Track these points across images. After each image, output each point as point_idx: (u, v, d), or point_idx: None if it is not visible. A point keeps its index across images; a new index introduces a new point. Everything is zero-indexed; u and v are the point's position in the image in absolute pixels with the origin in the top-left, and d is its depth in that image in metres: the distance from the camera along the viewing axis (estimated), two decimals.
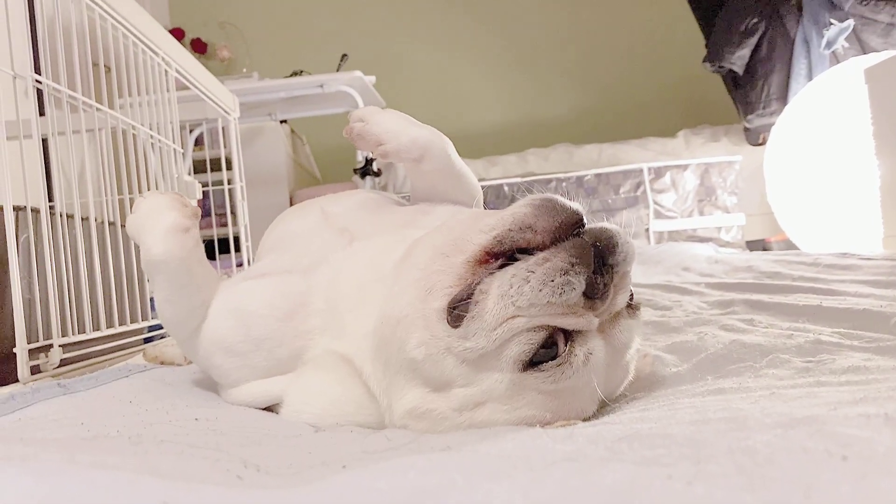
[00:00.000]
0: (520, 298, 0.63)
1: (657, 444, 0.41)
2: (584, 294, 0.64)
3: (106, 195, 1.50)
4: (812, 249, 3.03)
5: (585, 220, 0.68)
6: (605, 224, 0.68)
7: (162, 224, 0.89)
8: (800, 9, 3.54)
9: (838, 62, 3.39)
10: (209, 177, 2.77)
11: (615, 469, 0.36)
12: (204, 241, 1.03)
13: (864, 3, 3.38)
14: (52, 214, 1.26)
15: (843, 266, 1.85)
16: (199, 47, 5.02)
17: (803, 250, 3.12)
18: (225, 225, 2.37)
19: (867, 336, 0.94)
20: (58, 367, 1.19)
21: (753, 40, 3.71)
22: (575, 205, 0.68)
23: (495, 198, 3.75)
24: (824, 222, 3.16)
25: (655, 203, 3.78)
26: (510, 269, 0.65)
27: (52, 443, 0.49)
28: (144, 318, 1.61)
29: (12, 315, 1.10)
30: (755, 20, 3.68)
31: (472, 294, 0.66)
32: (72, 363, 1.25)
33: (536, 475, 0.36)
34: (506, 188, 3.78)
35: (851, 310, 1.13)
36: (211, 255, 2.46)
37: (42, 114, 1.39)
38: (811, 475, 0.34)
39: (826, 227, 3.15)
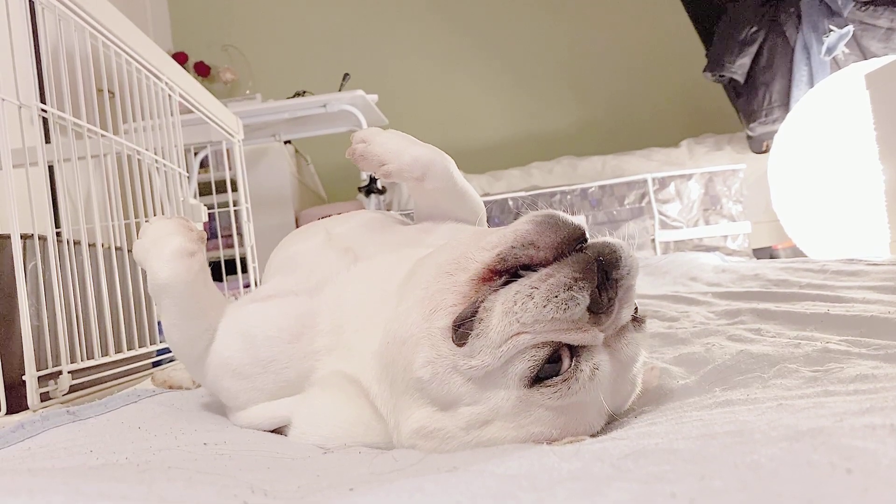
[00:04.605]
0: (524, 315, 0.63)
1: (663, 461, 0.41)
2: (589, 309, 0.64)
3: (112, 220, 1.51)
4: (819, 256, 3.02)
5: (588, 235, 0.68)
6: (608, 238, 0.69)
7: (167, 249, 0.90)
8: (799, 16, 3.55)
9: (839, 68, 3.39)
10: (215, 199, 2.79)
11: (619, 488, 0.36)
12: (211, 263, 1.04)
13: (863, 8, 3.39)
14: (59, 241, 1.27)
15: (850, 272, 1.84)
16: (202, 70, 5.06)
17: (810, 257, 3.11)
18: (231, 246, 2.38)
19: (875, 343, 0.94)
20: (67, 393, 1.19)
21: (753, 49, 3.72)
22: (577, 219, 0.68)
23: (500, 212, 3.75)
24: (830, 228, 3.15)
25: (660, 213, 3.78)
26: (514, 286, 0.65)
27: (59, 473, 0.49)
28: (153, 343, 1.61)
29: (21, 342, 1.11)
30: (754, 29, 3.69)
31: (477, 312, 0.66)
32: (81, 389, 1.26)
33: (541, 496, 0.36)
34: (510, 202, 3.78)
35: (859, 317, 1.13)
36: (218, 277, 2.47)
37: (48, 141, 1.40)
38: (814, 489, 0.34)
39: (832, 232, 3.14)
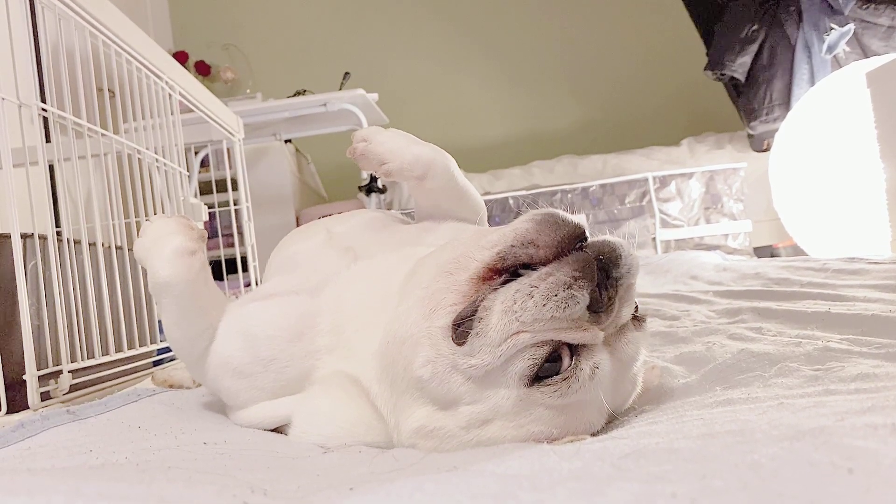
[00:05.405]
0: (524, 314, 0.63)
1: (663, 460, 0.41)
2: (589, 308, 0.64)
3: (112, 220, 1.50)
4: (820, 254, 3.02)
5: (588, 234, 0.68)
6: (608, 237, 0.68)
7: (168, 247, 0.90)
8: (800, 14, 3.55)
9: (840, 66, 3.39)
10: (215, 198, 2.79)
11: (620, 488, 0.36)
12: (211, 262, 1.04)
13: (864, 6, 3.39)
14: (60, 240, 1.27)
15: (851, 271, 1.84)
16: (202, 70, 5.06)
17: (811, 255, 3.10)
18: (232, 246, 2.38)
19: (876, 342, 0.94)
20: (67, 392, 1.19)
21: (754, 47, 3.71)
22: (577, 218, 0.68)
23: (501, 211, 3.75)
24: (831, 227, 3.15)
25: (661, 212, 3.77)
26: (513, 285, 0.65)
27: (59, 472, 0.49)
28: (153, 342, 1.61)
29: (22, 342, 1.11)
30: (755, 27, 3.68)
31: (477, 311, 0.66)
32: (81, 388, 1.26)
33: (541, 496, 0.36)
34: (511, 201, 3.78)
35: (860, 316, 1.13)
36: (219, 276, 2.47)
37: (48, 140, 1.40)
38: (816, 490, 0.34)
39: (833, 231, 3.14)
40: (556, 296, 0.62)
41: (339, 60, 5.02)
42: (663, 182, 3.80)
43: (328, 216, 1.12)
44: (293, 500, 0.48)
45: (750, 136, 3.95)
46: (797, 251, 3.45)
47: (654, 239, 3.76)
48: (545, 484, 0.39)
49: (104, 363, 1.34)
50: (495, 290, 0.66)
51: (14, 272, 1.12)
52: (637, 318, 0.72)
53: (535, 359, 0.64)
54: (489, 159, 4.91)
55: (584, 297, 0.63)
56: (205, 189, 3.16)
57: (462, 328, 0.66)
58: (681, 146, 4.24)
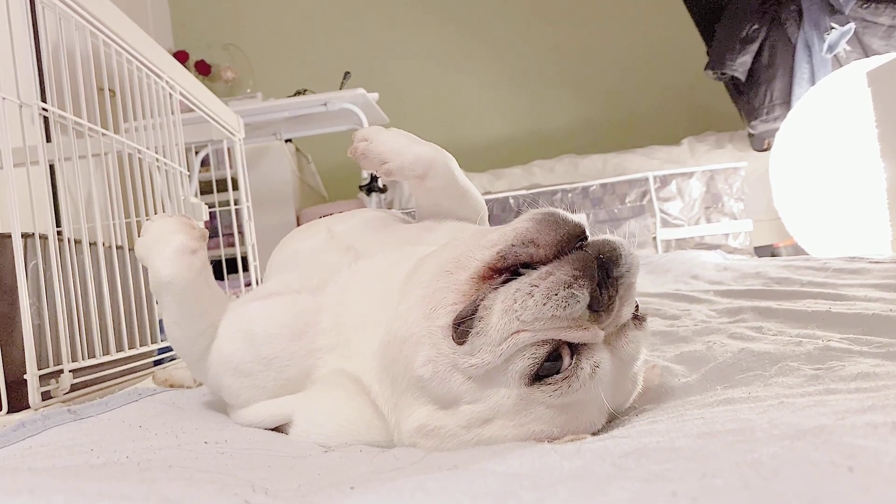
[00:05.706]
0: (524, 313, 0.63)
1: (664, 459, 0.41)
2: (589, 307, 0.64)
3: (113, 219, 1.51)
4: (820, 254, 3.02)
5: (588, 233, 0.68)
6: (608, 236, 0.68)
7: (170, 246, 0.90)
8: (800, 14, 3.55)
9: (840, 66, 3.39)
10: (216, 198, 2.79)
11: (620, 487, 0.36)
12: (212, 261, 1.04)
13: (865, 6, 3.39)
14: (60, 240, 1.27)
15: (851, 270, 1.84)
16: (203, 69, 5.06)
17: (812, 255, 3.10)
18: (232, 245, 2.38)
19: (877, 341, 0.94)
20: (68, 392, 1.19)
21: (754, 46, 3.71)
22: (577, 217, 0.68)
23: (501, 211, 3.74)
24: (832, 226, 3.15)
25: (662, 211, 3.77)
26: (514, 284, 0.65)
27: (60, 472, 0.49)
28: (154, 341, 1.61)
29: (23, 341, 1.11)
30: (756, 26, 3.68)
31: (477, 310, 0.66)
32: (82, 388, 1.26)
33: (542, 495, 0.36)
34: (511, 201, 3.78)
35: (861, 315, 1.13)
36: (219, 276, 2.47)
37: (48, 140, 1.40)
38: (816, 488, 0.34)
39: (834, 230, 3.14)
40: (556, 295, 0.62)
41: (340, 60, 5.02)
42: (664, 181, 3.80)
43: (329, 215, 1.12)
44: (294, 499, 0.49)
45: (750, 135, 3.95)
46: (798, 250, 3.45)
47: (654, 238, 3.76)
48: (546, 483, 0.39)
49: (105, 362, 1.34)
50: (496, 289, 0.66)
51: (15, 271, 1.12)
52: (637, 318, 0.72)
53: (536, 358, 0.64)
54: (489, 159, 4.92)
55: (584, 296, 0.63)
56: (205, 188, 3.16)
57: (462, 327, 0.66)
58: (681, 145, 4.24)
